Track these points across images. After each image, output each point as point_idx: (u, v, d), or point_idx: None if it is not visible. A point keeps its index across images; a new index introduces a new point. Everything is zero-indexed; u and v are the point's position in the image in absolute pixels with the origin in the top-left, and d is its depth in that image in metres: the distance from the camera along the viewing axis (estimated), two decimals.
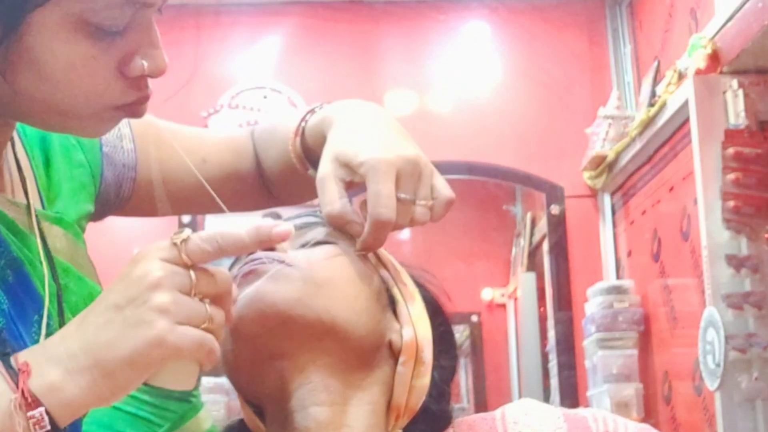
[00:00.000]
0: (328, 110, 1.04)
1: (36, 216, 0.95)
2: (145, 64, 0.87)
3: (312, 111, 1.08)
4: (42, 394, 0.75)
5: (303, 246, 0.96)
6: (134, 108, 0.90)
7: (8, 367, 0.76)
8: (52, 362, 0.76)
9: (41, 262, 0.93)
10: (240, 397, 0.97)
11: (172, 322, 0.76)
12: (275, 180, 1.18)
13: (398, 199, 0.93)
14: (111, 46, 0.85)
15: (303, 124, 1.08)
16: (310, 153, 1.07)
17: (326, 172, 0.95)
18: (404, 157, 0.94)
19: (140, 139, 1.12)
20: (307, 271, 0.91)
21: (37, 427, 0.74)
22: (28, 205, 0.96)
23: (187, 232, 0.79)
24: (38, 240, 0.94)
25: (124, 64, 0.87)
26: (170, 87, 4.73)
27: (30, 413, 0.74)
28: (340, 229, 0.96)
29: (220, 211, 1.14)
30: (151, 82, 0.90)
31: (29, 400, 0.74)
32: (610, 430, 0.91)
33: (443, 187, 0.97)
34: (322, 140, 1.01)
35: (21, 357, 0.77)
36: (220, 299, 0.79)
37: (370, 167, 0.92)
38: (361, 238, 0.94)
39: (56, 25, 0.83)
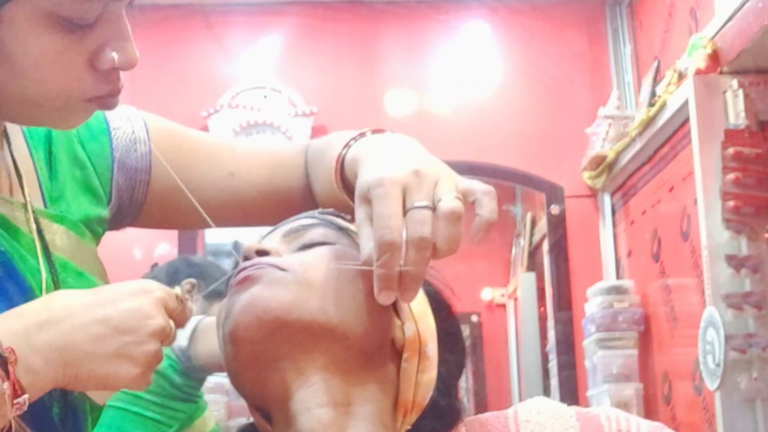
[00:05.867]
0: (359, 147, 0.98)
1: (34, 213, 0.96)
2: (116, 56, 0.88)
3: (356, 138, 1.00)
4: (27, 383, 0.79)
5: (299, 249, 0.96)
6: (106, 100, 0.91)
7: None
8: (35, 351, 0.80)
9: (35, 257, 0.94)
10: (248, 402, 0.97)
11: (150, 368, 0.86)
12: (324, 202, 1.11)
13: (412, 210, 0.85)
14: (82, 39, 0.86)
15: (345, 151, 1.00)
16: (349, 184, 1.01)
17: (358, 218, 0.89)
18: (410, 170, 0.87)
19: (158, 146, 1.10)
20: (301, 274, 0.91)
21: (17, 410, 0.78)
22: (25, 203, 0.96)
23: (189, 285, 0.88)
24: (35, 236, 0.95)
25: (94, 56, 0.88)
26: (171, 87, 4.73)
27: (16, 400, 0.78)
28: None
29: (249, 225, 1.14)
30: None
31: (16, 387, 0.78)
32: (623, 429, 0.90)
33: (474, 183, 0.89)
34: (354, 178, 0.95)
35: (3, 340, 0.79)
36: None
37: (373, 190, 0.86)
38: (376, 270, 0.86)
39: (27, 18, 0.84)
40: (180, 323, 0.89)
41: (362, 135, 1.00)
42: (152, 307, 0.85)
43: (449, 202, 0.85)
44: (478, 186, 0.89)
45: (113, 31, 0.88)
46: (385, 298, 0.87)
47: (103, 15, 0.86)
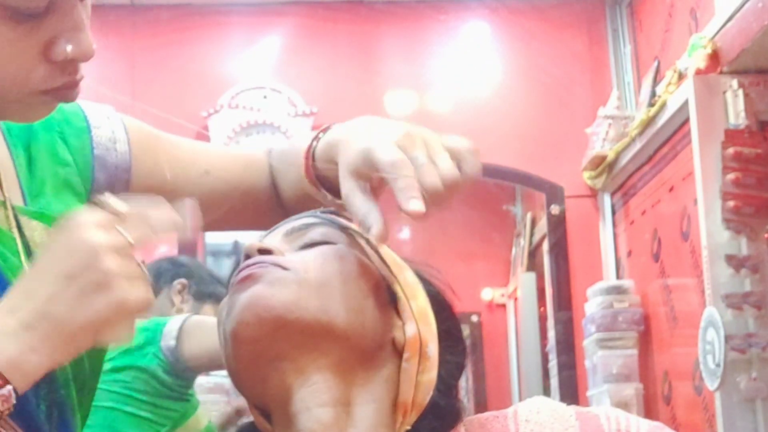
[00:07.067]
0: (332, 133, 1.01)
1: (13, 210, 0.96)
2: (70, 48, 0.87)
3: (323, 131, 1.04)
4: (5, 370, 0.75)
5: (301, 248, 0.96)
6: (63, 92, 0.90)
7: None
8: (7, 337, 0.77)
9: (15, 255, 0.93)
10: (248, 401, 0.97)
11: (127, 283, 0.79)
12: (291, 202, 1.14)
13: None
14: (32, 29, 0.86)
15: (315, 143, 1.04)
16: (321, 178, 1.05)
17: (346, 189, 0.92)
18: (401, 133, 0.91)
19: (137, 146, 1.11)
20: (302, 273, 0.91)
21: (5, 403, 0.75)
22: (4, 200, 0.96)
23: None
24: (16, 233, 0.94)
25: (47, 48, 0.87)
26: (171, 87, 4.73)
27: (0, 392, 0.75)
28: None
29: (224, 228, 1.14)
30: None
31: None
32: (623, 429, 0.90)
33: (456, 142, 0.94)
34: (332, 166, 0.97)
35: None
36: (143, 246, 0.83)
37: (374, 153, 0.90)
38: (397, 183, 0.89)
39: None
40: (136, 227, 0.81)
41: (328, 128, 1.04)
42: (83, 235, 0.79)
43: (447, 169, 0.91)
44: (461, 144, 0.94)
45: (66, 22, 0.87)
46: (416, 205, 0.87)
47: (54, 5, 0.86)
